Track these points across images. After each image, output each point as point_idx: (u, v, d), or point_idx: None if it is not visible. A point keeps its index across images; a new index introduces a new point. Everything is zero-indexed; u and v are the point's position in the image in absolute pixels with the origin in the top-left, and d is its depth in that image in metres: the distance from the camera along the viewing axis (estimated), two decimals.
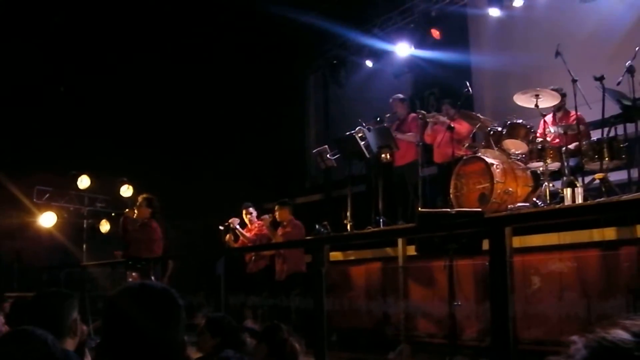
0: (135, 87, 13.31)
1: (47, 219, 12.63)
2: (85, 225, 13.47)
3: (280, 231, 10.51)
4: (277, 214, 10.66)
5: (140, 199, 10.70)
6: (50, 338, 2.75)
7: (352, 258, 9.81)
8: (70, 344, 3.56)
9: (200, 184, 13.32)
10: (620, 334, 1.14)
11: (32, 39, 12.35)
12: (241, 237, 11.24)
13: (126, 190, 13.23)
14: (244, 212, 11.43)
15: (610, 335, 1.15)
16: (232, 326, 5.10)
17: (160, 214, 10.77)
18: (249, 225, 11.36)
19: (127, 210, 10.97)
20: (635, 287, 6.13)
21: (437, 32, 12.19)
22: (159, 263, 10.56)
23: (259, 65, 14.13)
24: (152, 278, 9.92)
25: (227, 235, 11.34)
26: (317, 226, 10.58)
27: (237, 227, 11.28)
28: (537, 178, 8.50)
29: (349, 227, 10.17)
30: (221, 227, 11.48)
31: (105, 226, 13.34)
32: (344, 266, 9.84)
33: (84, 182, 13.15)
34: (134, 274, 9.95)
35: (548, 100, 8.53)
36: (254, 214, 11.44)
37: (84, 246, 13.23)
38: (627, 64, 7.60)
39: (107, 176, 13.16)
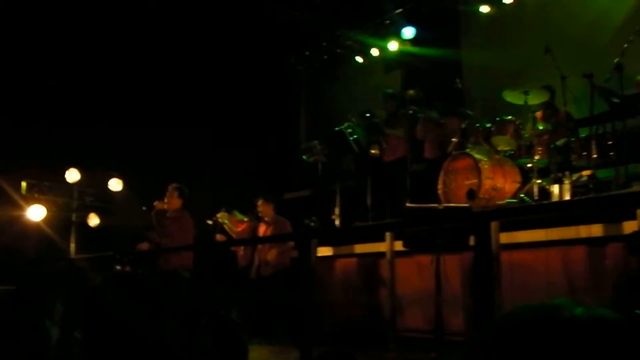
0: (124, 81, 13.26)
1: (35, 212, 12.52)
2: (74, 219, 13.39)
3: (264, 229, 10.50)
4: (260, 209, 10.66)
5: (170, 188, 10.50)
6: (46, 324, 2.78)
7: (340, 253, 9.81)
8: (54, 334, 3.56)
9: (188, 178, 13.28)
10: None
11: (23, 32, 12.30)
12: (230, 232, 11.23)
13: (115, 185, 13.19)
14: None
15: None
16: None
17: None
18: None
19: (156, 202, 10.72)
20: (620, 284, 6.15)
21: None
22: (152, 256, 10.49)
23: (249, 60, 14.09)
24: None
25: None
26: (305, 221, 10.59)
27: (226, 221, 11.26)
28: (525, 174, 8.51)
29: (337, 222, 10.18)
30: (209, 222, 11.46)
31: (94, 220, 13.27)
32: (332, 261, 9.86)
33: (73, 175, 13.05)
34: (117, 267, 9.87)
35: (537, 97, 8.54)
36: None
37: (72, 240, 13.17)
38: (615, 61, 7.61)
39: (96, 170, 13.10)
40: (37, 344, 2.67)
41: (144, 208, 11.14)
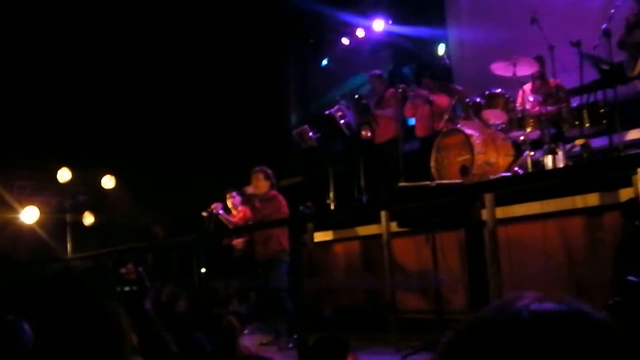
0: (111, 78, 13.14)
1: (29, 215, 12.39)
2: (68, 219, 13.28)
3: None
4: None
5: (254, 173, 9.74)
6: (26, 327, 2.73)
7: (339, 237, 9.74)
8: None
9: (179, 171, 13.15)
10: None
11: (7, 31, 12.16)
12: (226, 223, 11.05)
13: (108, 182, 13.09)
14: (227, 197, 11.25)
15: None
16: None
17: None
18: (233, 211, 11.17)
19: (245, 187, 10.22)
20: (618, 252, 6.08)
21: None
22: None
23: (236, 47, 13.98)
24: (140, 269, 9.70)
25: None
26: (300, 207, 10.50)
27: (221, 212, 11.09)
28: (517, 147, 8.44)
29: (332, 206, 10.11)
30: (204, 214, 11.30)
31: (88, 219, 13.18)
32: (329, 245, 9.79)
33: (64, 175, 12.95)
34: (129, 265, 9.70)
35: (526, 69, 8.47)
36: (237, 198, 11.19)
37: (68, 240, 13.07)
38: (602, 27, 7.52)
39: (87, 168, 12.99)
40: (10, 345, 2.60)
41: (204, 214, 10.77)
